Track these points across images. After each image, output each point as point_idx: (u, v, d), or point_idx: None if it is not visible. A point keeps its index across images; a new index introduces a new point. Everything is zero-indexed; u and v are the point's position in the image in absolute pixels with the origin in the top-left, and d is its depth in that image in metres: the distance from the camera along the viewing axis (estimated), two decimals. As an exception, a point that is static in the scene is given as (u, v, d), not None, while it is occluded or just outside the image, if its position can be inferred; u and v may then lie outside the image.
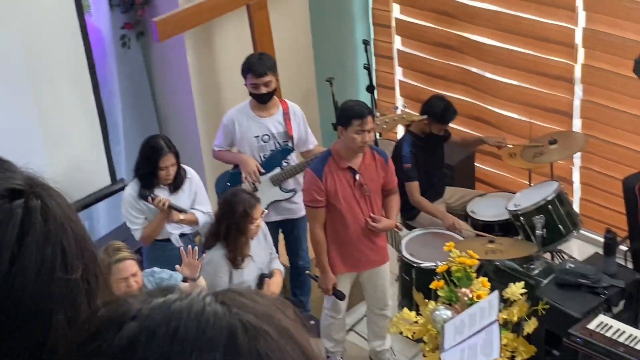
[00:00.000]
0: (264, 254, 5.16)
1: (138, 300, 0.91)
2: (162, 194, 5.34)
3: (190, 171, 5.50)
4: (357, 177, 5.37)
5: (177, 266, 4.72)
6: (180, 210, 5.26)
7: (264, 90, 5.63)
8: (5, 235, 0.96)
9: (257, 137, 5.76)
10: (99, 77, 5.96)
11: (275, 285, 5.20)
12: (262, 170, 5.76)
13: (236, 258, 4.94)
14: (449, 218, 6.13)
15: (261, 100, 5.69)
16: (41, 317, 0.98)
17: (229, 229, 4.89)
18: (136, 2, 6.22)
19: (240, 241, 4.90)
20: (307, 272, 5.97)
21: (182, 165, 5.42)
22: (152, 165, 5.24)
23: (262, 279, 5.13)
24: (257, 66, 5.57)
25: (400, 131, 7.53)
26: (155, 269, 4.74)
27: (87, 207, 6.11)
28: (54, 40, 5.65)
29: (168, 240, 5.45)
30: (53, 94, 5.73)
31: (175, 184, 5.36)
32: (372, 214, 5.46)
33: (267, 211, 5.33)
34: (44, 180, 1.06)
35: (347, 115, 5.21)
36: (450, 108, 6.29)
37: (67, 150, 5.88)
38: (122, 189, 6.22)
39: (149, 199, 5.19)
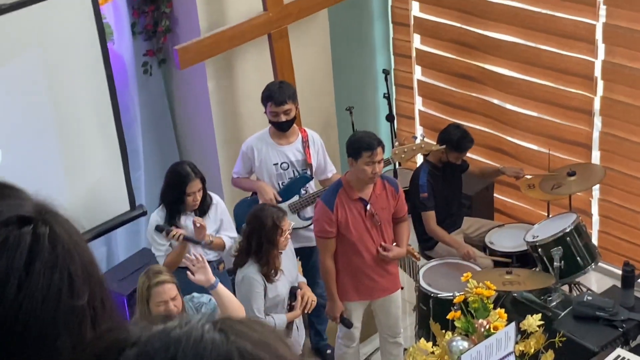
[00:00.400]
0: (292, 267, 5.21)
1: (138, 327, 0.93)
2: (188, 220, 5.34)
3: (216, 197, 5.52)
4: (368, 207, 5.38)
5: (188, 274, 4.68)
6: (195, 242, 5.25)
7: (283, 118, 5.66)
8: (13, 262, 0.98)
9: (276, 164, 5.78)
10: (120, 104, 5.97)
11: (309, 292, 5.22)
12: (279, 198, 5.78)
13: (270, 272, 4.97)
14: (464, 247, 6.13)
15: (281, 128, 5.72)
16: (47, 341, 1.00)
17: (260, 243, 4.92)
18: (158, 29, 6.25)
19: (273, 254, 4.94)
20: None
21: (208, 191, 5.43)
22: (179, 191, 5.24)
23: (293, 291, 5.15)
24: (278, 94, 5.60)
25: (419, 160, 7.54)
26: (195, 293, 4.72)
27: (106, 233, 6.12)
28: (76, 67, 5.69)
29: None
30: (74, 120, 5.76)
31: (202, 210, 5.36)
32: (383, 244, 5.47)
33: (293, 223, 5.35)
34: (52, 207, 1.07)
35: (357, 147, 5.23)
36: (467, 136, 6.28)
37: (87, 176, 5.90)
38: (142, 214, 6.25)
39: (164, 233, 5.21)
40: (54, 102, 5.63)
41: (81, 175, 5.87)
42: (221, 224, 5.43)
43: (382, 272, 5.56)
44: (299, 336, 5.26)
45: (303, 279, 5.34)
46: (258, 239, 4.92)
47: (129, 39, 6.22)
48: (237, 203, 6.01)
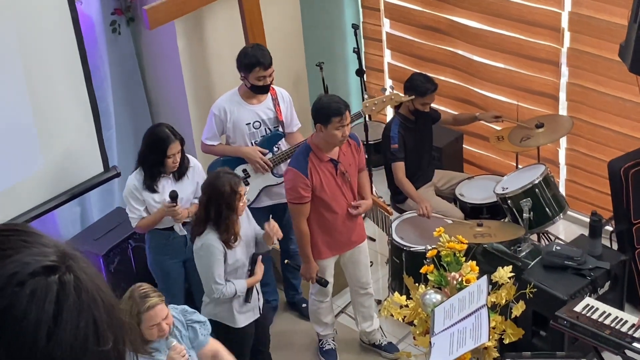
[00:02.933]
0: (250, 233, 5.17)
1: None
2: (166, 182, 5.37)
3: (193, 160, 5.52)
4: (339, 166, 5.43)
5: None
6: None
7: (269, 81, 5.69)
8: (42, 313, 1.01)
9: (248, 124, 5.79)
10: (90, 65, 5.93)
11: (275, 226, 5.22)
12: (266, 151, 5.82)
13: (229, 238, 4.92)
14: (422, 204, 6.08)
15: (264, 90, 5.74)
16: None
17: (219, 210, 4.87)
18: (126, -12, 6.23)
19: (232, 220, 4.90)
20: (286, 262, 5.99)
21: (186, 154, 5.45)
22: (159, 154, 5.25)
23: (254, 258, 5.14)
24: (264, 59, 5.61)
25: (389, 114, 7.60)
26: (187, 308, 4.57)
27: (81, 195, 6.13)
28: (46, 29, 5.65)
29: (171, 228, 5.46)
30: (46, 82, 5.73)
31: (180, 172, 5.38)
32: (352, 203, 5.52)
33: (247, 188, 5.36)
34: (73, 252, 1.09)
35: (326, 113, 5.23)
36: (429, 80, 6.27)
37: (61, 139, 5.88)
38: (116, 176, 6.26)
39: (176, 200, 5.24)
40: (25, 65, 5.59)
41: (55, 138, 5.86)
42: (197, 186, 5.44)
43: (351, 224, 5.63)
44: (258, 300, 5.25)
45: (260, 231, 5.28)
46: (217, 206, 4.86)
47: (96, -2, 6.18)
48: (210, 163, 6.02)
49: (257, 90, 5.72)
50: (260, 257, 5.18)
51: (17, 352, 0.99)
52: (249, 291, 5.13)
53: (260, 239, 5.23)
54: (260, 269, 5.15)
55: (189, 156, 5.52)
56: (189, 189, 5.47)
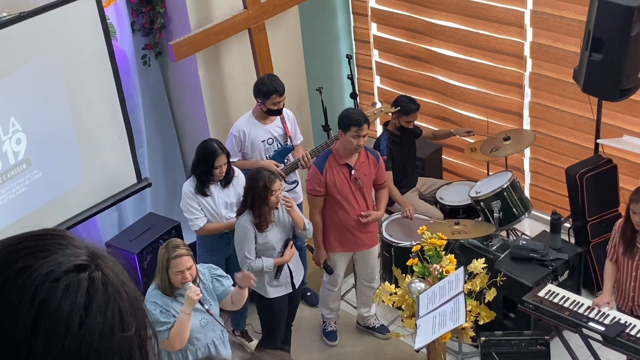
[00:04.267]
0: (288, 223, 5.22)
1: None
2: (214, 189, 5.39)
3: (237, 171, 5.53)
4: (353, 172, 5.42)
5: (236, 274, 4.70)
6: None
7: (282, 105, 5.72)
8: (75, 303, 1.02)
9: (263, 141, 5.82)
10: (125, 92, 5.95)
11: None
12: (280, 166, 5.84)
13: (261, 223, 5.03)
14: (406, 208, 6.08)
15: (278, 113, 5.76)
16: None
17: (254, 199, 4.98)
18: (154, 27, 6.22)
19: (264, 209, 4.98)
20: (307, 244, 6.03)
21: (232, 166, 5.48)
22: (208, 165, 5.28)
23: (286, 242, 5.20)
24: (280, 87, 5.65)
25: (379, 130, 7.61)
26: (213, 265, 4.73)
27: (118, 203, 6.14)
28: (87, 62, 5.66)
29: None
30: (87, 108, 5.74)
31: (226, 180, 5.39)
32: (362, 213, 5.50)
33: (284, 184, 5.39)
34: (102, 252, 1.10)
35: (347, 122, 5.27)
36: (412, 101, 6.28)
37: (100, 156, 5.89)
38: (147, 186, 6.27)
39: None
40: (69, 93, 5.61)
41: (95, 155, 5.87)
42: (240, 193, 5.41)
43: (363, 229, 5.59)
44: (295, 277, 5.30)
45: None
46: (253, 196, 4.99)
47: (129, 36, 6.18)
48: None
49: (272, 113, 5.74)
50: (291, 242, 5.23)
51: (53, 337, 1.00)
52: (279, 269, 5.19)
53: (298, 232, 5.31)
54: (289, 252, 5.20)
55: (235, 167, 5.53)
56: (233, 195, 5.49)
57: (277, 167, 5.85)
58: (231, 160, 5.79)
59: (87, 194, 5.85)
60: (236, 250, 5.15)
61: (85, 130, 5.77)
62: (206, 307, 4.42)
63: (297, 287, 5.37)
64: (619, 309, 4.97)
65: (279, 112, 5.77)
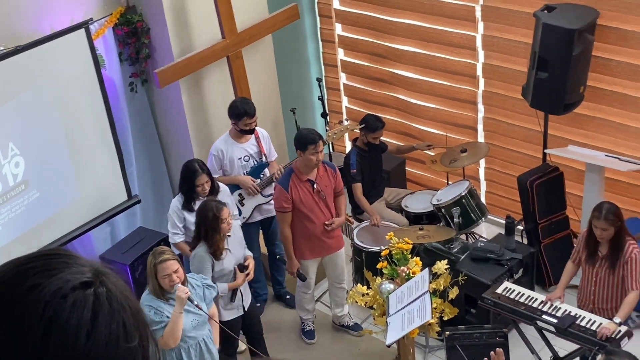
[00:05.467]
0: (240, 248, 5.11)
1: None
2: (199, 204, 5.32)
3: (223, 186, 5.46)
4: (315, 186, 5.42)
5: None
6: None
7: (254, 125, 5.69)
8: (82, 318, 1.01)
9: (240, 158, 5.79)
10: (114, 116, 5.92)
11: (251, 264, 5.17)
12: (257, 187, 5.82)
13: (216, 252, 4.89)
14: (374, 216, 6.07)
15: (250, 132, 5.72)
16: None
17: (207, 231, 4.85)
18: (140, 57, 6.18)
19: (216, 238, 4.85)
20: (277, 256, 6.00)
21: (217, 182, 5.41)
22: (190, 184, 5.24)
23: (240, 267, 5.05)
24: (251, 110, 5.62)
25: (348, 146, 7.61)
26: (204, 276, 4.71)
27: (110, 218, 6.08)
28: (78, 90, 5.62)
29: None
30: (80, 132, 5.70)
31: (212, 195, 5.31)
32: (326, 222, 5.49)
33: (234, 212, 5.29)
34: (105, 269, 1.09)
35: (304, 142, 5.25)
36: (378, 119, 6.28)
37: (93, 176, 5.84)
38: (137, 202, 6.22)
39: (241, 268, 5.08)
40: (62, 118, 5.57)
41: (88, 175, 5.82)
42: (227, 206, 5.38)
43: (329, 235, 5.59)
44: (244, 301, 5.17)
45: (250, 254, 5.25)
46: (205, 228, 4.84)
47: (117, 65, 6.14)
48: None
49: (245, 132, 5.72)
50: (241, 267, 5.07)
51: (62, 350, 0.99)
52: (234, 293, 5.07)
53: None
54: (241, 276, 5.04)
55: (220, 183, 5.47)
56: None
57: (254, 182, 5.83)
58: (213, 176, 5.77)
59: (82, 211, 5.79)
60: None
61: (79, 152, 5.72)
62: (195, 302, 4.39)
63: (246, 309, 5.20)
64: (580, 309, 4.96)
65: (251, 132, 5.74)
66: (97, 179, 5.87)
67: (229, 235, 4.96)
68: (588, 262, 4.78)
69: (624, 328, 4.63)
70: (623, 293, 4.70)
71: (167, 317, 4.36)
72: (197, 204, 5.31)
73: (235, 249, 5.06)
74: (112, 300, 1.04)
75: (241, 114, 5.62)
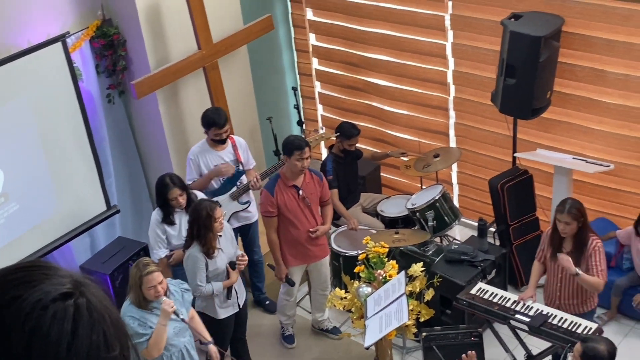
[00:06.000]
0: (231, 247, 5.14)
1: None
2: (179, 216, 5.32)
3: (199, 195, 5.43)
4: (300, 192, 5.43)
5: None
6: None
7: (224, 136, 5.68)
8: (62, 329, 1.00)
9: (216, 166, 5.79)
10: (92, 128, 5.90)
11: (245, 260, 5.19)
12: (233, 167, 5.74)
13: (209, 251, 4.91)
14: (351, 221, 6.14)
15: (221, 142, 5.73)
16: None
17: (199, 229, 4.86)
18: (117, 68, 6.18)
19: (209, 237, 4.87)
20: (267, 264, 5.99)
21: (194, 192, 5.40)
22: (163, 198, 5.24)
23: (232, 266, 5.08)
24: (220, 120, 5.59)
25: (324, 153, 7.66)
26: (180, 280, 4.72)
27: (90, 229, 6.06)
28: (56, 103, 5.60)
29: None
30: (58, 144, 5.67)
31: (189, 206, 5.24)
32: (310, 229, 5.50)
33: (231, 209, 5.27)
34: (85, 280, 1.08)
35: (291, 147, 5.27)
36: (353, 127, 6.34)
37: (72, 186, 5.81)
38: (116, 212, 6.21)
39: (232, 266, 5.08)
40: (42, 131, 5.54)
41: (67, 187, 5.79)
42: None
43: (314, 242, 5.58)
44: (239, 298, 5.20)
45: (241, 253, 5.24)
46: (197, 226, 4.86)
47: (94, 77, 6.13)
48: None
49: (216, 142, 5.74)
50: (233, 264, 5.09)
51: None
52: (229, 290, 5.10)
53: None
54: (234, 274, 5.09)
55: (197, 193, 5.46)
56: None
57: (232, 169, 5.75)
58: (193, 180, 5.76)
59: (61, 222, 5.77)
60: (188, 280, 4.99)
61: (57, 164, 5.70)
62: (181, 317, 4.42)
63: (241, 306, 5.24)
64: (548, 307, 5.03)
65: (222, 142, 5.73)
66: (75, 190, 5.86)
67: (220, 235, 4.99)
68: (553, 259, 4.85)
69: (594, 325, 4.72)
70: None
71: (151, 327, 4.37)
72: (175, 217, 5.32)
73: (227, 248, 5.09)
74: (92, 311, 1.03)
75: (210, 123, 5.63)
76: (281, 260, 5.56)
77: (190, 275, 4.98)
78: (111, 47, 6.10)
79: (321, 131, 6.17)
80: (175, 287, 4.61)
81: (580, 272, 4.65)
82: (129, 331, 1.11)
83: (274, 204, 5.37)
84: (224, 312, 5.15)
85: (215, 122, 5.60)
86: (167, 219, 5.32)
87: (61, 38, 5.54)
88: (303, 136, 6.41)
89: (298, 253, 5.59)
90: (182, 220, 5.34)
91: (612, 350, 3.81)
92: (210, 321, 5.06)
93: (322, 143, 7.53)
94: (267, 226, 5.49)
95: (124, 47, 6.11)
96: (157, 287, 4.34)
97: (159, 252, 5.36)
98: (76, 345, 1.00)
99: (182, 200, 5.25)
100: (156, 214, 5.36)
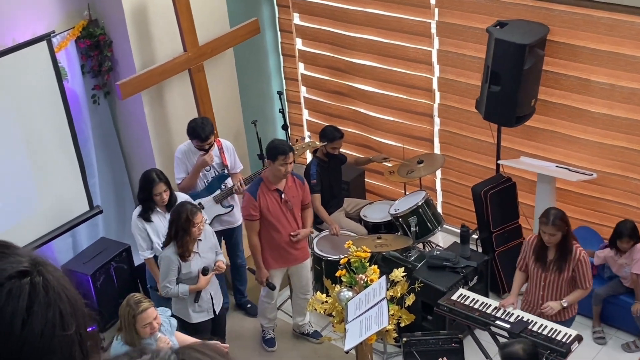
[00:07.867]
0: (210, 253, 5.06)
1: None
2: (158, 216, 5.23)
3: (182, 196, 5.37)
4: (283, 195, 5.38)
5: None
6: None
7: (206, 147, 5.59)
8: (17, 306, 0.99)
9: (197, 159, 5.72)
10: (76, 128, 5.84)
11: (221, 265, 5.11)
12: (212, 156, 5.65)
13: (184, 253, 4.85)
14: (333, 226, 6.10)
15: (206, 151, 5.64)
16: None
17: (177, 231, 4.81)
18: (103, 69, 6.11)
19: (186, 240, 4.81)
20: (247, 268, 5.93)
21: (175, 192, 5.32)
22: (147, 193, 5.14)
23: (204, 270, 4.98)
24: (204, 133, 5.50)
25: (308, 157, 7.59)
26: (162, 307, 4.55)
27: (72, 229, 5.97)
28: (40, 102, 5.53)
29: None
30: (42, 144, 5.60)
31: (169, 206, 5.18)
32: (291, 233, 5.45)
33: (207, 218, 5.23)
34: (43, 259, 1.07)
35: (275, 152, 5.21)
36: (336, 130, 6.31)
37: (55, 186, 5.74)
38: (99, 213, 6.12)
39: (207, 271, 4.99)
40: (24, 131, 5.47)
41: (50, 186, 5.71)
42: None
43: (295, 245, 5.54)
44: (215, 304, 5.11)
45: (222, 259, 5.19)
46: (176, 227, 4.81)
47: (80, 77, 6.06)
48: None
49: (201, 150, 5.65)
50: (205, 270, 5.00)
51: None
52: (198, 295, 5.00)
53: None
54: (203, 280, 4.97)
55: (179, 193, 5.39)
56: None
57: (212, 159, 5.63)
58: (182, 178, 5.67)
59: (43, 221, 5.69)
60: (160, 278, 4.93)
61: (41, 163, 5.62)
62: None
63: (217, 313, 5.16)
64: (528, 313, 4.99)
65: (207, 151, 5.63)
66: (58, 190, 5.77)
67: (200, 240, 4.92)
68: (536, 266, 4.84)
69: (574, 332, 4.67)
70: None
71: None
72: (154, 215, 5.23)
73: (206, 253, 5.02)
74: (49, 289, 1.02)
75: (192, 135, 5.56)
76: (262, 264, 5.50)
77: (162, 275, 4.94)
78: (97, 47, 6.04)
79: (307, 140, 6.11)
80: (163, 316, 4.41)
81: (565, 302, 4.80)
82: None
83: (256, 208, 5.32)
84: (197, 317, 5.08)
85: (197, 135, 5.53)
86: (145, 215, 5.22)
87: (46, 37, 5.46)
88: (290, 144, 6.35)
89: (279, 256, 5.54)
90: (157, 221, 5.25)
91: (529, 348, 3.91)
92: (184, 324, 4.98)
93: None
94: (249, 229, 5.43)
95: (110, 47, 6.04)
96: (153, 324, 4.16)
97: (145, 253, 5.27)
98: (31, 322, 0.99)
99: (166, 196, 5.18)
100: (137, 212, 5.28)
